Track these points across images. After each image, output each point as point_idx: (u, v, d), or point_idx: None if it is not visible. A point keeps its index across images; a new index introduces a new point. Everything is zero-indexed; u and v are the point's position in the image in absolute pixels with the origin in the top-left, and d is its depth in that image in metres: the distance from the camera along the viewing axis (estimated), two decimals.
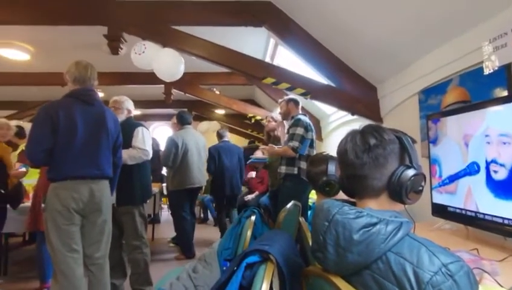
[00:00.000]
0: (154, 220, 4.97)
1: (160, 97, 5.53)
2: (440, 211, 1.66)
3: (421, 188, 0.81)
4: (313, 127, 2.77)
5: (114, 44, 2.78)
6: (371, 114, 2.90)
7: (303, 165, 2.63)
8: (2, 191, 2.72)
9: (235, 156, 4.16)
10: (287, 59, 4.03)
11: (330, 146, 4.44)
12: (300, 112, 2.91)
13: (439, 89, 2.07)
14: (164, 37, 2.86)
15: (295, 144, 2.58)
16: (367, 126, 0.85)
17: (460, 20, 1.74)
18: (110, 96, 2.80)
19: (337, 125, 4.14)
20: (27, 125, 6.47)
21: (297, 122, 2.66)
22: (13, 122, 5.15)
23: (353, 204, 0.83)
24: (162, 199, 5.83)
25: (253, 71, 3.03)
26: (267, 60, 4.25)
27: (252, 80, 4.30)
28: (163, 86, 5.02)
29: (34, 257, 2.82)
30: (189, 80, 4.81)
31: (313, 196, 3.37)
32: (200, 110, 7.58)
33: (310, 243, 1.30)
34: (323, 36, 2.86)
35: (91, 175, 1.90)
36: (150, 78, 4.65)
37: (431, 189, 1.71)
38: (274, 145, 2.92)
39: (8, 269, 3.16)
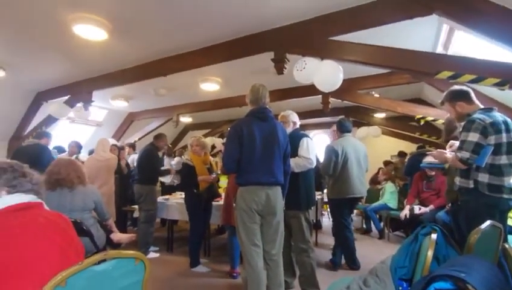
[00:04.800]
0: (317, 226, 5.14)
1: (318, 107, 5.74)
2: None
3: None
4: (502, 126, 2.01)
5: (279, 65, 3.16)
6: None
7: (482, 177, 2.00)
8: (195, 191, 3.58)
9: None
10: (469, 45, 3.29)
11: None
12: (479, 105, 2.18)
13: None
14: (322, 50, 2.98)
15: (464, 154, 1.99)
16: None
17: None
18: (275, 111, 3.16)
19: None
20: (217, 140, 8.25)
21: (469, 126, 2.02)
22: (208, 139, 6.67)
23: None
24: (323, 206, 5.96)
25: (422, 67, 2.67)
26: (439, 50, 3.62)
27: (420, 77, 3.77)
28: (320, 96, 5.20)
29: (226, 245, 3.52)
30: (346, 87, 4.76)
31: None
32: (357, 116, 7.33)
33: None
34: None
35: (268, 182, 2.23)
36: (308, 90, 4.97)
37: None
38: (444, 151, 2.36)
39: (210, 252, 4.11)
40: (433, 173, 4.31)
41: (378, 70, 4.52)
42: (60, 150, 5.34)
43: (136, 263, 1.21)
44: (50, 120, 5.90)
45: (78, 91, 5.23)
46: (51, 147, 4.58)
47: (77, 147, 5.07)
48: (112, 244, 2.48)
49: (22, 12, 3.04)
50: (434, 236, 1.50)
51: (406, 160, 5.62)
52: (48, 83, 5.38)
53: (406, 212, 4.30)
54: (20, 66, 4.50)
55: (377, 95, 5.56)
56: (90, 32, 3.28)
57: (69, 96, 5.42)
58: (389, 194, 5.31)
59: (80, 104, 5.40)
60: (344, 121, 3.74)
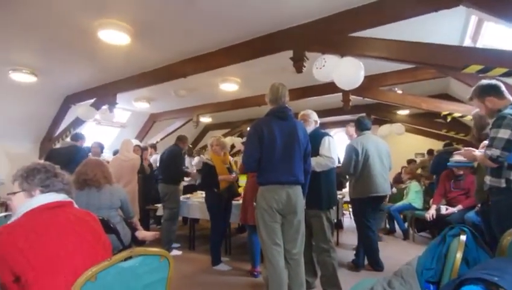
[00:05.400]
0: (338, 225, 5.07)
1: (338, 105, 5.64)
2: None
3: None
4: None
5: (299, 64, 3.13)
6: None
7: None
8: (215, 190, 3.63)
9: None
10: (499, 36, 3.12)
11: None
12: (510, 99, 2.06)
13: None
14: (342, 47, 2.92)
15: (494, 152, 1.89)
16: None
17: None
18: (293, 110, 3.13)
19: None
20: (236, 140, 8.31)
21: (499, 122, 1.92)
22: (228, 139, 6.72)
23: None
24: (343, 205, 5.86)
25: (448, 61, 2.56)
26: (467, 43, 3.45)
27: (447, 71, 3.61)
28: (341, 93, 5.11)
29: (246, 244, 3.54)
30: (367, 84, 4.65)
31: None
32: (379, 114, 7.14)
33: None
34: None
35: (288, 181, 2.22)
36: (327, 88, 4.90)
37: None
38: (473, 148, 2.25)
39: (231, 250, 4.15)
40: (461, 172, 4.13)
41: (401, 65, 4.37)
42: (89, 150, 5.58)
43: (160, 260, 1.25)
44: (78, 122, 6.18)
45: (103, 94, 5.44)
46: None
47: (99, 148, 5.27)
48: (136, 242, 2.56)
49: (52, 22, 3.20)
50: (463, 237, 1.43)
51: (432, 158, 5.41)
52: (75, 87, 5.63)
53: (432, 212, 4.14)
54: (50, 72, 4.74)
55: (400, 92, 5.39)
56: (114, 37, 3.40)
57: (95, 99, 5.65)
58: (413, 194, 5.13)
59: (105, 107, 5.61)
60: (363, 119, 3.67)
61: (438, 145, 6.88)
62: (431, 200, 4.51)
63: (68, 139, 5.04)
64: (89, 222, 1.32)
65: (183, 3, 2.86)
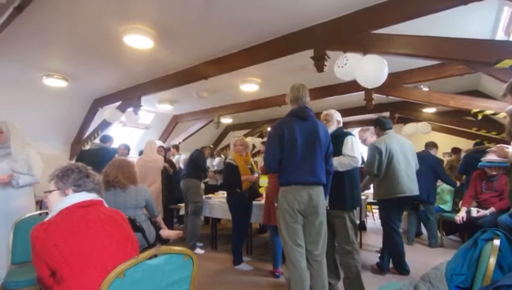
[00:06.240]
0: (361, 227, 4.96)
1: (361, 103, 5.52)
2: None
3: None
4: None
5: (320, 63, 3.09)
6: None
7: None
8: (238, 190, 3.65)
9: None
10: None
11: None
12: None
13: None
14: (365, 45, 2.85)
15: None
16: None
17: None
18: (314, 110, 3.09)
19: None
20: (256, 140, 8.32)
21: None
22: (248, 139, 6.75)
23: None
24: (367, 207, 5.72)
25: (479, 56, 2.43)
26: (500, 36, 3.27)
27: (478, 67, 3.44)
28: (363, 92, 5.00)
29: (267, 244, 3.54)
30: (390, 82, 4.51)
31: None
32: (404, 112, 6.91)
33: None
34: None
35: (309, 182, 2.20)
36: (349, 86, 4.81)
37: None
38: (506, 145, 2.13)
39: (252, 250, 4.17)
40: (494, 173, 3.90)
41: (426, 62, 4.21)
42: (115, 151, 5.81)
43: (185, 259, 1.28)
44: (105, 124, 6.45)
45: (128, 97, 5.65)
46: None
47: (126, 149, 5.47)
48: (161, 240, 2.64)
49: (81, 29, 3.36)
50: (497, 242, 1.36)
51: (462, 157, 5.16)
52: (102, 91, 5.88)
53: (462, 214, 3.95)
54: (79, 77, 4.98)
55: (426, 89, 5.19)
56: (138, 41, 3.52)
57: (120, 102, 5.87)
58: (447, 195, 4.91)
59: (130, 109, 5.82)
60: (384, 118, 3.58)
61: (467, 144, 6.55)
62: (460, 202, 4.31)
63: (97, 141, 5.27)
64: (118, 220, 1.38)
65: (204, 6, 2.91)
